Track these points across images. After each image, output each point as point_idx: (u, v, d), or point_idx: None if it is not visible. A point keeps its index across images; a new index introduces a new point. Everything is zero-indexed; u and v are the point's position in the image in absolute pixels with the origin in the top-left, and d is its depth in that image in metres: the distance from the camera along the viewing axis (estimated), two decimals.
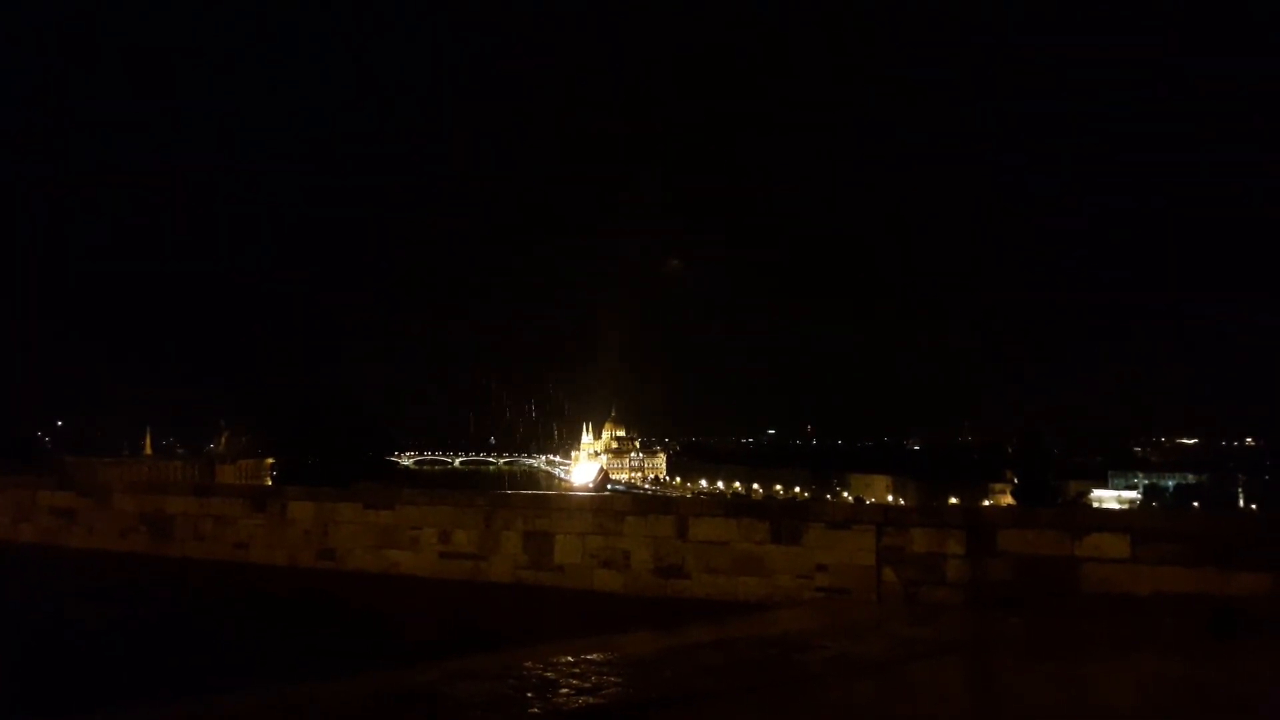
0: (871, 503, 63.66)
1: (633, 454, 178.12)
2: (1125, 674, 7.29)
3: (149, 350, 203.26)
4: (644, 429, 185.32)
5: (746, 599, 10.82)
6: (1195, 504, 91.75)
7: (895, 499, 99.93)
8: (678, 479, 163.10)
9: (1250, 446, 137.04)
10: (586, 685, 6.66)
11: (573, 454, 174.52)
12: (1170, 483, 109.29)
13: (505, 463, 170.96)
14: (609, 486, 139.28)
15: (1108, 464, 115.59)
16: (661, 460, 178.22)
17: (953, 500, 77.89)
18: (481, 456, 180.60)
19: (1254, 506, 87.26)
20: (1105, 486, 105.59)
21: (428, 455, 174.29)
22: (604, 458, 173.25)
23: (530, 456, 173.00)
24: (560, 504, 13.56)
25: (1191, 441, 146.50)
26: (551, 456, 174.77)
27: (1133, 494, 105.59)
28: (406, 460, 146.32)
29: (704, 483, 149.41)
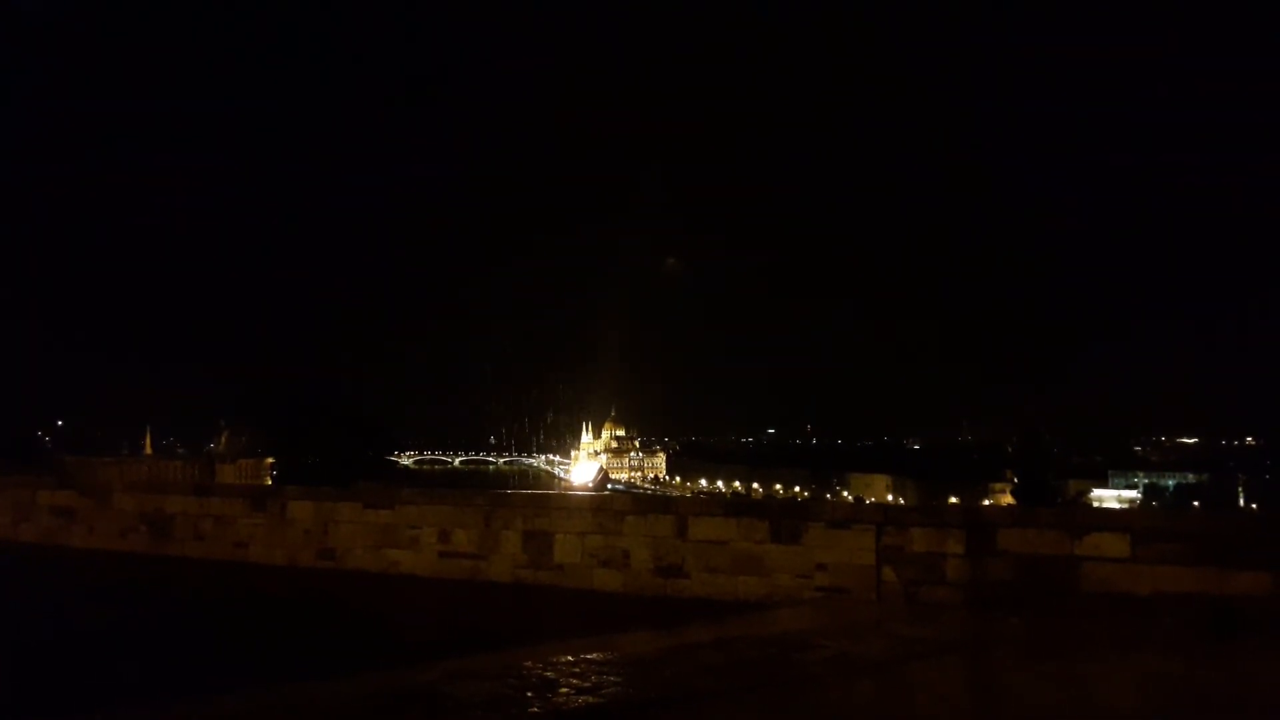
0: (871, 502, 63.81)
1: (632, 453, 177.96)
2: (1125, 674, 7.28)
3: (149, 350, 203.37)
4: (644, 428, 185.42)
5: (746, 598, 10.82)
6: (1195, 503, 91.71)
7: (895, 498, 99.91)
8: (677, 478, 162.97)
9: (1250, 446, 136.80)
10: (586, 685, 6.65)
11: (572, 453, 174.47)
12: (1170, 482, 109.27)
13: (505, 462, 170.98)
14: (609, 486, 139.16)
15: (1108, 463, 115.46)
16: (661, 460, 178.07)
17: (953, 500, 77.90)
18: (481, 456, 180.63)
19: (1254, 506, 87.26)
20: (1105, 486, 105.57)
21: (428, 455, 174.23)
22: (604, 457, 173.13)
23: (530, 456, 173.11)
24: (560, 503, 13.56)
25: (1191, 441, 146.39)
26: (551, 456, 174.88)
27: (1133, 493, 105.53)
28: (406, 460, 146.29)
29: (704, 482, 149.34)
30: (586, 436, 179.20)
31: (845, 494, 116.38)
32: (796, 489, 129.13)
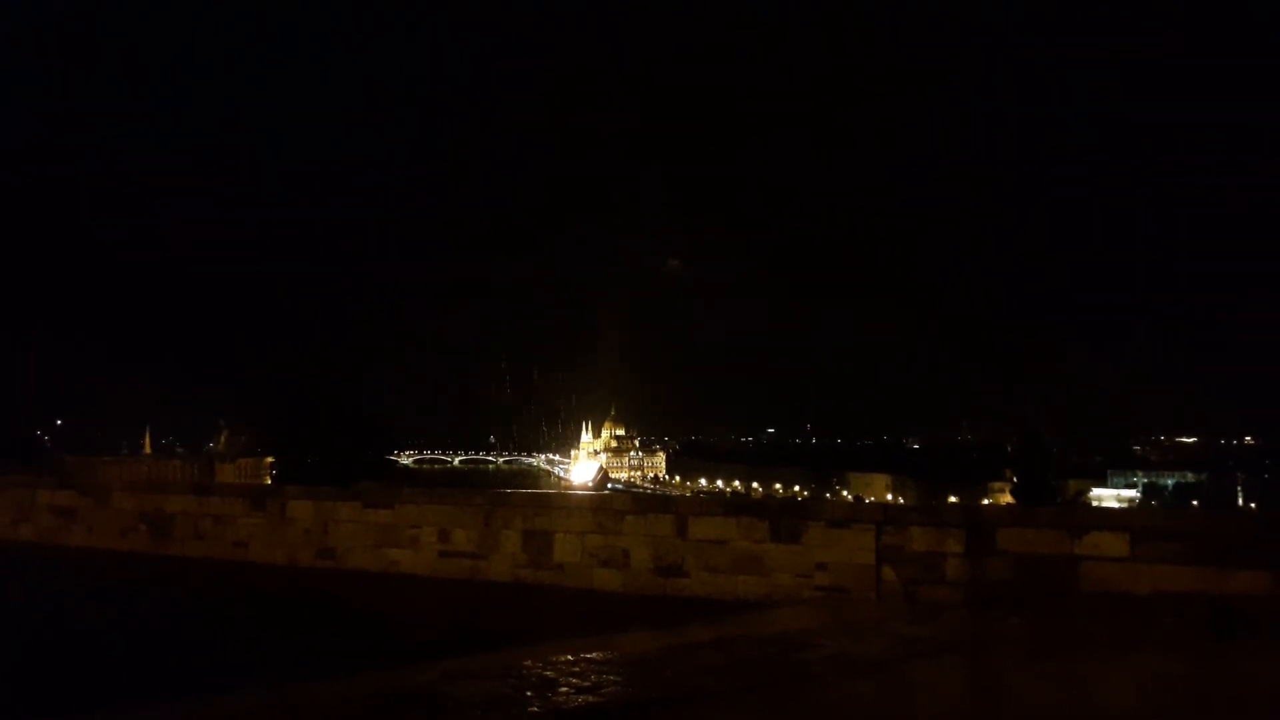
0: (871, 502, 63.82)
1: (632, 453, 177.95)
2: (1125, 673, 7.28)
3: (149, 350, 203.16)
4: (644, 428, 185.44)
5: (746, 598, 10.82)
6: (1195, 503, 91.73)
7: (895, 498, 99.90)
8: (677, 478, 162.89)
9: (1250, 446, 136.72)
10: (586, 684, 6.65)
11: (572, 453, 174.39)
12: (1170, 481, 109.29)
13: (505, 462, 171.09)
14: (608, 485, 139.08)
15: (1107, 463, 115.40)
16: (661, 459, 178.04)
17: (952, 499, 77.81)
18: (481, 455, 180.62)
19: (1253, 505, 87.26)
20: (1105, 485, 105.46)
21: (428, 454, 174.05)
22: (604, 456, 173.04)
23: (530, 455, 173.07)
24: (559, 503, 13.56)
25: (1191, 440, 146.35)
26: (551, 455, 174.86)
27: (1132, 493, 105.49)
28: (406, 459, 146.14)
29: (704, 481, 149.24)
30: (586, 436, 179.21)
31: (845, 493, 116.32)
32: (796, 488, 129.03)
